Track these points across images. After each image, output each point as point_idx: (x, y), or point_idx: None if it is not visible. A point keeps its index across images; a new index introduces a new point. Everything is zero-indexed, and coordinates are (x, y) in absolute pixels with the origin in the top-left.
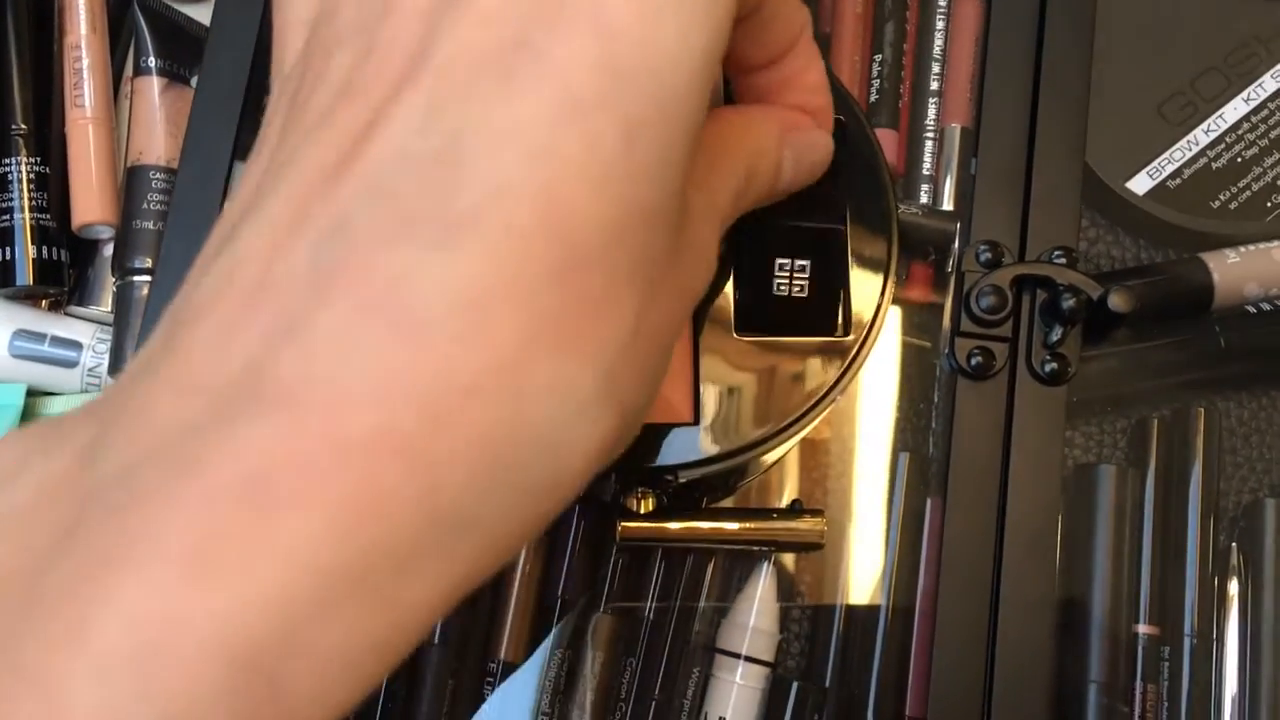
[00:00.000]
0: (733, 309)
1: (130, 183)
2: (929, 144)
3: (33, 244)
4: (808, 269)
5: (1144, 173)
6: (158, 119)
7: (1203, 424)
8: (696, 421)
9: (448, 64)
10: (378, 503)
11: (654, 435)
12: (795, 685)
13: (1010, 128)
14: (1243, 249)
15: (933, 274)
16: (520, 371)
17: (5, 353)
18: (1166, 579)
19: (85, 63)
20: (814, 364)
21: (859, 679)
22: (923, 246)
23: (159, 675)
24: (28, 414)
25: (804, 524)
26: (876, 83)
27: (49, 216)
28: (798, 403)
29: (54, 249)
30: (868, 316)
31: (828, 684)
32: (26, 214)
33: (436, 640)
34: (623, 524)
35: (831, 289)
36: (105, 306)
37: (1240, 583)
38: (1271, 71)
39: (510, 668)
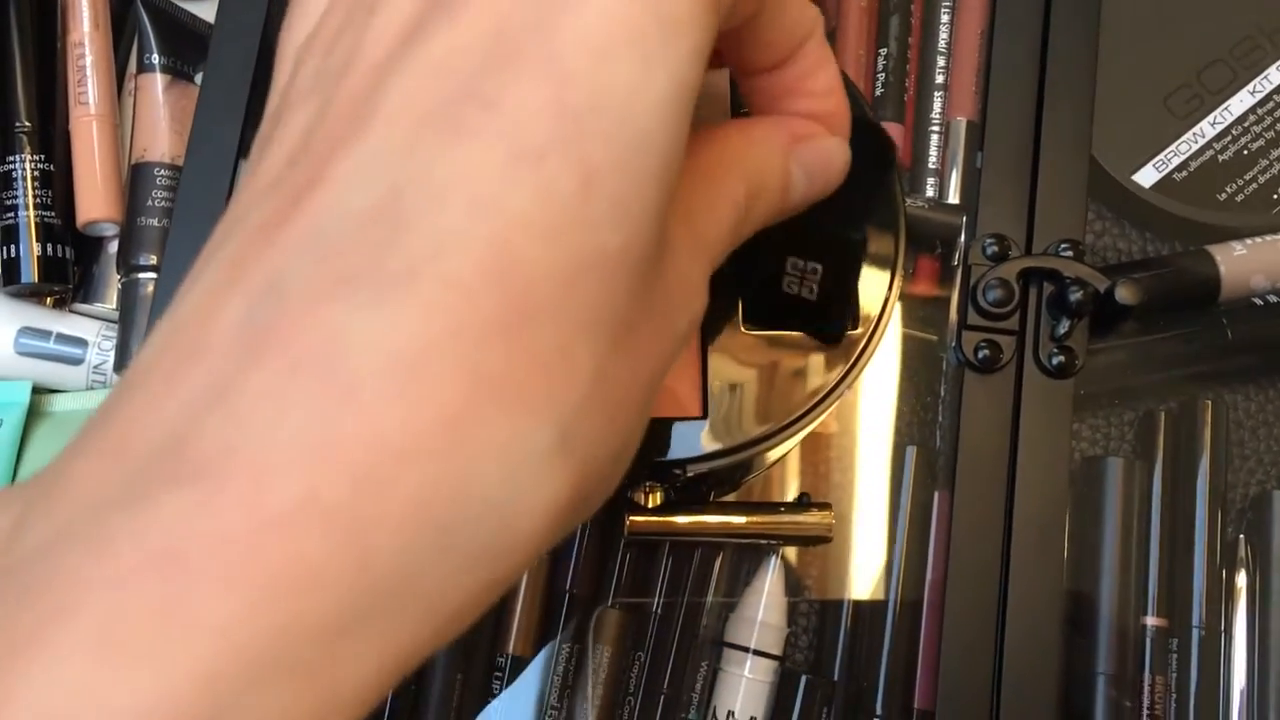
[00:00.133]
0: (741, 304)
1: (134, 180)
2: (934, 137)
3: (37, 241)
4: (819, 272)
5: (1150, 165)
6: (161, 115)
7: (1210, 416)
8: (704, 416)
9: (393, 117)
10: (303, 575)
11: (662, 430)
12: (804, 679)
13: (1016, 121)
14: (1249, 241)
15: (939, 267)
16: (460, 431)
17: (11, 350)
18: (1174, 571)
19: (89, 60)
20: (822, 358)
21: (867, 672)
22: (929, 240)
23: None
24: (33, 411)
25: (812, 518)
26: (881, 76)
27: (54, 214)
28: (805, 397)
29: (59, 246)
30: (875, 311)
31: (836, 677)
32: (31, 211)
33: None
34: (630, 518)
35: (841, 295)
36: (110, 304)
37: (1248, 575)
38: (1277, 63)
39: (519, 662)
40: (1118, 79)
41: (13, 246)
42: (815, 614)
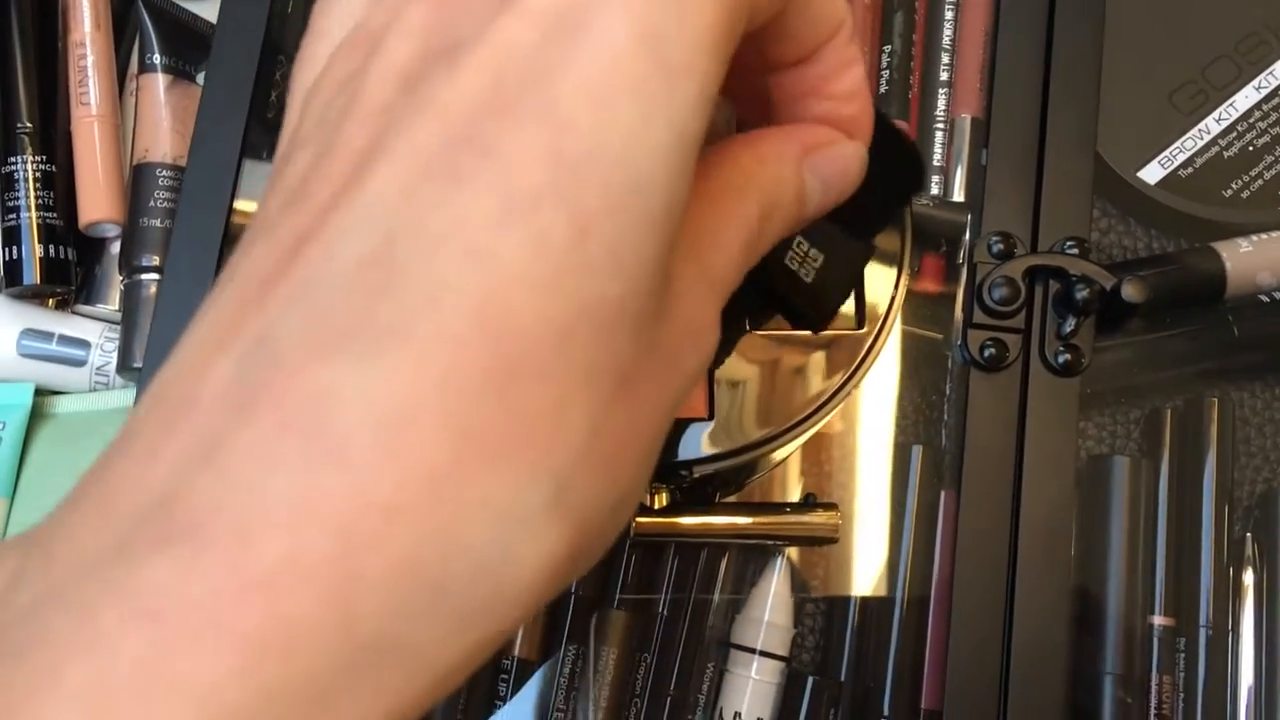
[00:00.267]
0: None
1: (136, 180)
2: (939, 135)
3: (40, 243)
4: (821, 261)
5: (1156, 162)
6: (163, 116)
7: (1216, 414)
8: (711, 417)
9: (392, 166)
10: (289, 635)
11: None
12: (810, 679)
13: (1021, 118)
14: (1255, 238)
15: (944, 265)
16: (450, 488)
17: (13, 352)
18: (1181, 570)
19: (90, 60)
20: (828, 358)
21: (874, 672)
22: (934, 238)
23: None
24: (36, 413)
25: (818, 518)
26: (886, 74)
27: (55, 215)
28: (812, 397)
29: (61, 247)
30: (881, 310)
31: (843, 677)
32: (33, 213)
33: None
34: (636, 519)
35: (835, 292)
36: (113, 305)
37: (1255, 573)
38: None
39: (524, 664)
40: (1122, 76)
41: (15, 248)
42: (821, 615)
